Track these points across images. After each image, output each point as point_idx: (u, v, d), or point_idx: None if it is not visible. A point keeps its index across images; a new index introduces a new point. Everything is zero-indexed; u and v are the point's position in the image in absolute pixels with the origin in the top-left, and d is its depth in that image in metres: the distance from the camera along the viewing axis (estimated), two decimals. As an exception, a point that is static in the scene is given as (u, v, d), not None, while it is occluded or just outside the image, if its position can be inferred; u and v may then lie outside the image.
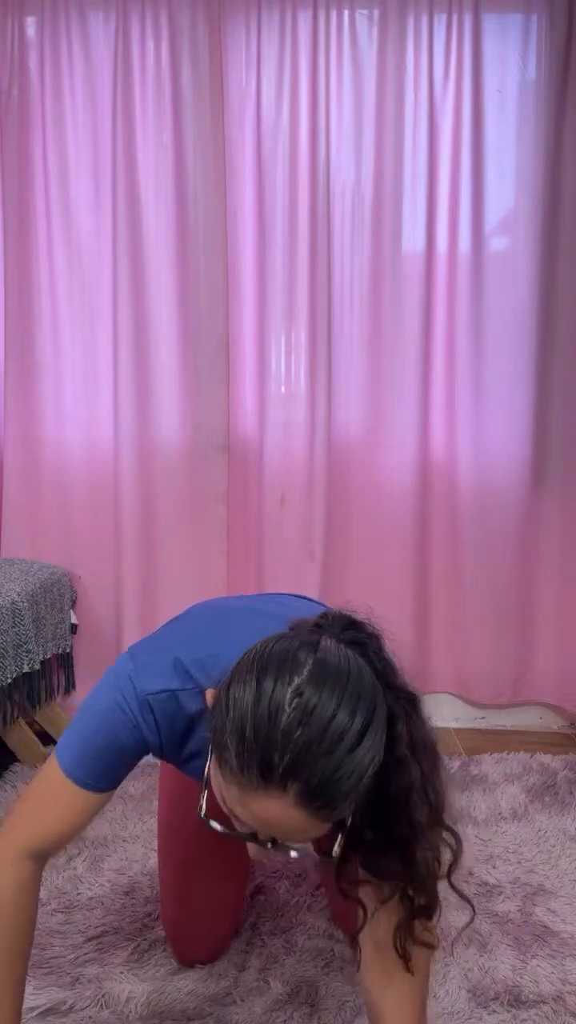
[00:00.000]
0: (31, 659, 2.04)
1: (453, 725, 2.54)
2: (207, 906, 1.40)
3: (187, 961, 1.43)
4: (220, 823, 0.90)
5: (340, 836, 0.88)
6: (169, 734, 1.04)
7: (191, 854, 1.37)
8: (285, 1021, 1.31)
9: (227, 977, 1.40)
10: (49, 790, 1.04)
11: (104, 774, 1.03)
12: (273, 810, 0.78)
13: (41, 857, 1.05)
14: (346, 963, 1.45)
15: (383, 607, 2.59)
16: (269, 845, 0.84)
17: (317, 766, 0.77)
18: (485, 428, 2.39)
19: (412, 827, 0.92)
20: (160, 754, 1.07)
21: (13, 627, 1.99)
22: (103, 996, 1.35)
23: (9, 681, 1.98)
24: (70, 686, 2.38)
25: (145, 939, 1.49)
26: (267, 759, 0.76)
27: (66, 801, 1.03)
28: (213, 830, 0.91)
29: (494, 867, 1.74)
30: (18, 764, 2.14)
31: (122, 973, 1.40)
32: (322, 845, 0.89)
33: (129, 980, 1.38)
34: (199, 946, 1.43)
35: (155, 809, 1.91)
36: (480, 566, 2.43)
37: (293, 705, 0.77)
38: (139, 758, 1.05)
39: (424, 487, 2.41)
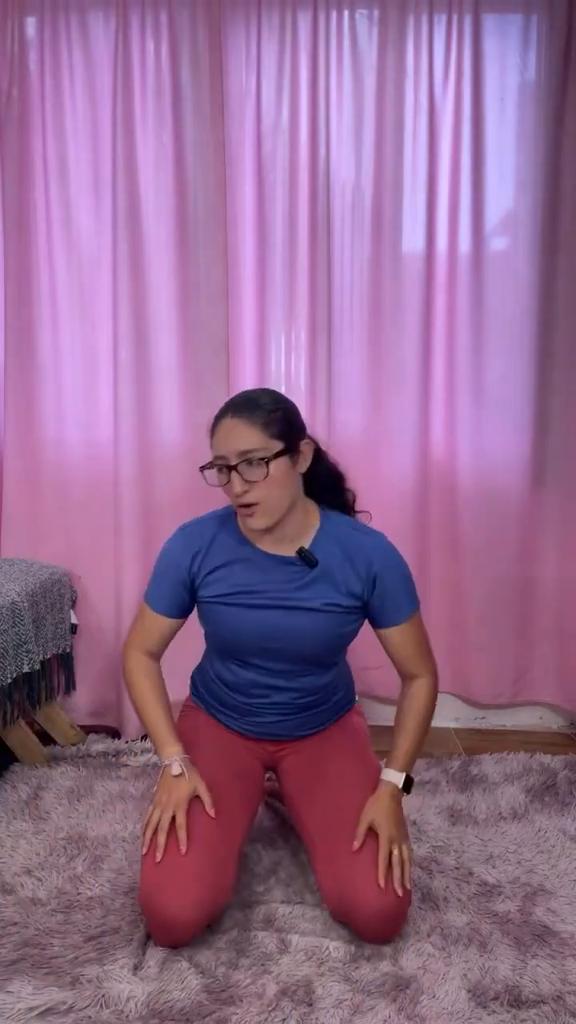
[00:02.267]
0: (31, 659, 2.04)
1: (453, 725, 2.54)
2: (192, 858, 1.42)
3: (164, 935, 1.43)
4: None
5: (290, 457, 1.48)
6: (200, 534, 1.61)
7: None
8: (284, 1020, 1.31)
9: (225, 977, 1.40)
10: (141, 614, 1.65)
11: (166, 597, 1.60)
12: (224, 425, 1.47)
13: (152, 655, 1.65)
14: (341, 962, 1.45)
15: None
16: (240, 468, 1.44)
17: (239, 397, 1.53)
18: (485, 428, 2.39)
19: (335, 479, 1.65)
20: (202, 557, 1.58)
21: (13, 627, 1.99)
22: (103, 996, 1.35)
23: (9, 681, 1.98)
24: (70, 686, 2.38)
25: (146, 941, 1.49)
26: (222, 408, 1.51)
27: (148, 622, 1.63)
28: None
29: (494, 867, 1.74)
30: (18, 764, 2.14)
31: (122, 973, 1.40)
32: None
33: (129, 980, 1.38)
34: (180, 910, 1.39)
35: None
36: (480, 566, 2.43)
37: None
38: (188, 574, 1.58)
39: (424, 487, 2.41)
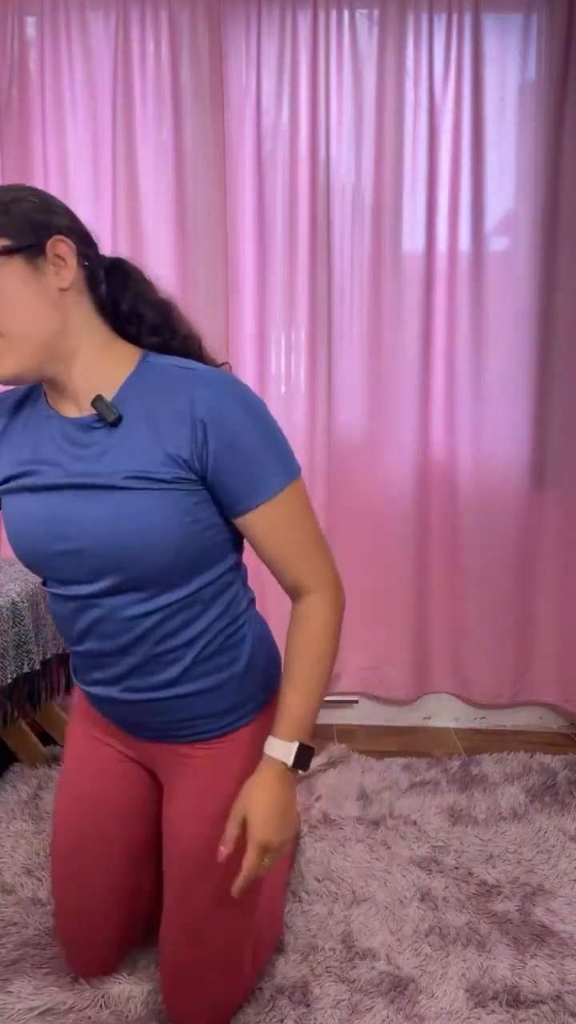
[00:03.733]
0: (31, 659, 2.04)
1: (453, 725, 2.54)
2: (98, 894, 1.30)
3: (82, 968, 1.36)
4: None
5: (14, 257, 0.99)
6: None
7: (87, 824, 1.29)
8: (281, 1020, 1.31)
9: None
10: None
11: None
12: None
13: None
14: (338, 962, 1.45)
15: (383, 607, 2.61)
16: None
17: None
18: (485, 428, 2.39)
19: (157, 310, 1.16)
20: None
21: (13, 627, 1.99)
22: (103, 996, 1.35)
23: (9, 681, 1.98)
24: (70, 686, 2.38)
25: (144, 939, 1.50)
26: None
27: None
28: None
29: (494, 867, 1.74)
30: (18, 764, 2.14)
31: (121, 973, 1.40)
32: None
33: (128, 980, 1.38)
34: (90, 950, 1.34)
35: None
36: (480, 566, 2.43)
37: None
38: None
39: (424, 487, 2.41)
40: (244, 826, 1.08)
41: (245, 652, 1.20)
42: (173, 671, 1.15)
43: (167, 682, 1.16)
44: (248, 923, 1.26)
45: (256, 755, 1.14)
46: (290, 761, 1.09)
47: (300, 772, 1.11)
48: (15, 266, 0.99)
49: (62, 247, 1.02)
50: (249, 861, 1.06)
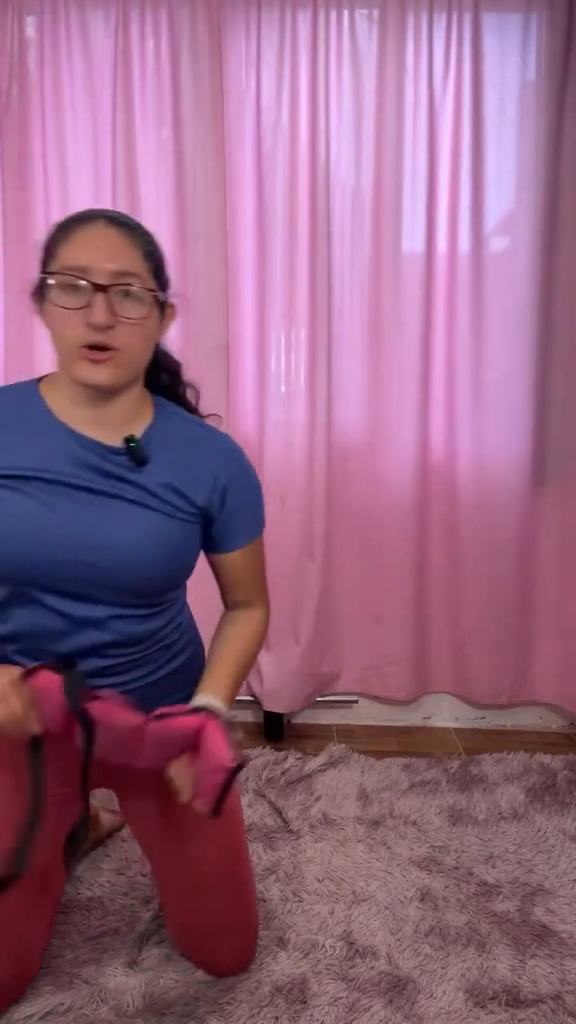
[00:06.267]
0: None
1: (453, 725, 2.54)
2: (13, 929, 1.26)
3: None
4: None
5: (160, 312, 1.16)
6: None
7: None
8: (277, 1018, 1.31)
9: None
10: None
11: None
12: (95, 231, 1.10)
13: None
14: (337, 960, 1.45)
15: (383, 607, 2.61)
16: (112, 293, 1.06)
17: (104, 210, 1.15)
18: (485, 428, 2.39)
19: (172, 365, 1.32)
20: None
21: None
22: (100, 992, 1.35)
23: None
24: None
25: (143, 939, 1.50)
26: (82, 213, 1.15)
27: None
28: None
29: (494, 867, 1.74)
30: (18, 764, 2.14)
31: (120, 973, 1.40)
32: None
33: (128, 980, 1.38)
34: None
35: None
36: (480, 566, 2.43)
37: None
38: None
39: (424, 487, 2.41)
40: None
41: (193, 638, 1.36)
42: (147, 669, 1.25)
43: (139, 676, 1.25)
44: (241, 854, 1.39)
45: None
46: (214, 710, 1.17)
47: None
48: (156, 309, 1.14)
49: (172, 310, 1.22)
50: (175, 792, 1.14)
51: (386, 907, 1.60)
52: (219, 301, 2.32)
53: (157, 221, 2.30)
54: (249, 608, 1.34)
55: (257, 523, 1.30)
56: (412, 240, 2.32)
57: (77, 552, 1.11)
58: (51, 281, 1.09)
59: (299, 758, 2.20)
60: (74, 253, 1.08)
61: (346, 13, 2.26)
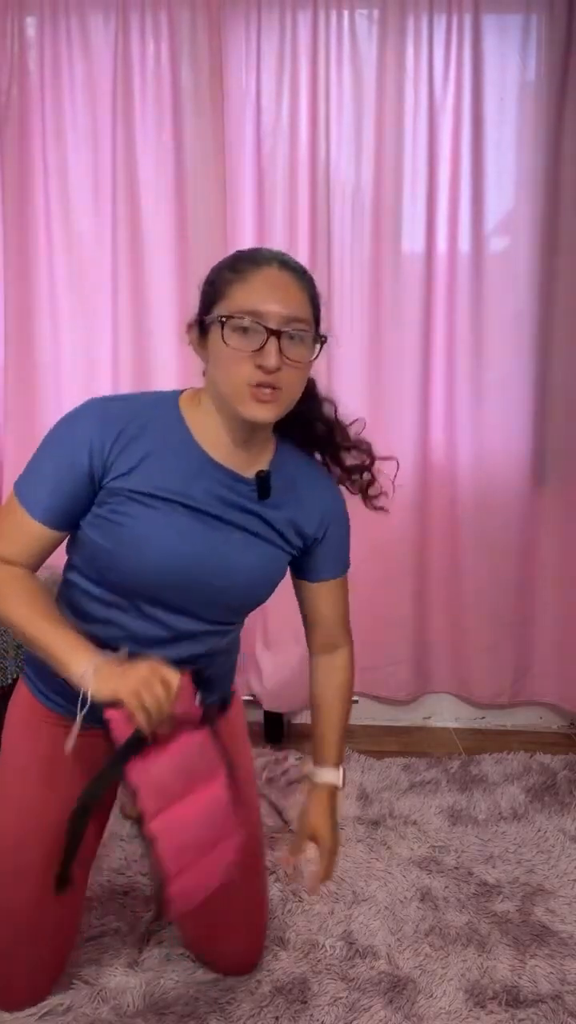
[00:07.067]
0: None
1: (453, 725, 2.54)
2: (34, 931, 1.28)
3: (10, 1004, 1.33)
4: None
5: (319, 345, 1.16)
6: (123, 431, 1.16)
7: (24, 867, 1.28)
8: (277, 1018, 1.31)
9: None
10: (9, 512, 1.18)
11: (52, 499, 1.15)
12: (271, 275, 1.11)
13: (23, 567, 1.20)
14: (337, 960, 1.45)
15: (383, 607, 2.60)
16: (283, 338, 1.08)
17: (274, 251, 1.16)
18: (485, 428, 2.39)
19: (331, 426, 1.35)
20: (125, 441, 1.16)
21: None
22: (99, 992, 1.35)
23: (9, 682, 1.98)
24: (70, 686, 2.37)
25: (143, 939, 1.50)
26: (252, 254, 1.15)
27: (18, 527, 1.17)
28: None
29: (494, 867, 1.74)
30: None
31: (120, 973, 1.40)
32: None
33: (127, 980, 1.38)
34: (19, 983, 1.32)
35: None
36: (480, 566, 2.43)
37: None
38: (95, 464, 1.14)
39: (424, 487, 2.41)
40: (310, 839, 1.30)
41: (235, 655, 1.43)
42: (215, 672, 1.34)
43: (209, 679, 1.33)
44: (260, 869, 1.46)
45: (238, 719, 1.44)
46: (341, 783, 1.35)
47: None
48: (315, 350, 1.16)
49: (324, 345, 1.19)
50: (325, 869, 1.30)
51: (386, 907, 1.60)
52: (219, 301, 2.31)
53: (157, 221, 2.31)
54: (335, 653, 1.39)
55: (344, 562, 1.36)
56: (412, 240, 2.32)
57: (199, 576, 1.19)
58: (223, 321, 1.11)
59: (299, 758, 2.20)
60: (249, 297, 1.10)
61: (346, 13, 2.26)
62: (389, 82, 2.26)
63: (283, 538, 1.26)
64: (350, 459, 1.34)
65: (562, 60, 2.24)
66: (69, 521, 1.18)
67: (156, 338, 2.34)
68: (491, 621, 2.46)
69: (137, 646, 1.19)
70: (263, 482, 1.21)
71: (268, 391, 1.10)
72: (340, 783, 1.35)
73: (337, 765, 1.36)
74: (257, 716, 2.44)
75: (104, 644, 1.17)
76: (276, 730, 2.39)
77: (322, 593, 1.35)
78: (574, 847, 1.82)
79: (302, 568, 1.34)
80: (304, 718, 2.50)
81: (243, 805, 1.23)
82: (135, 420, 1.17)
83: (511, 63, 2.29)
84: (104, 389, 2.38)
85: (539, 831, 1.88)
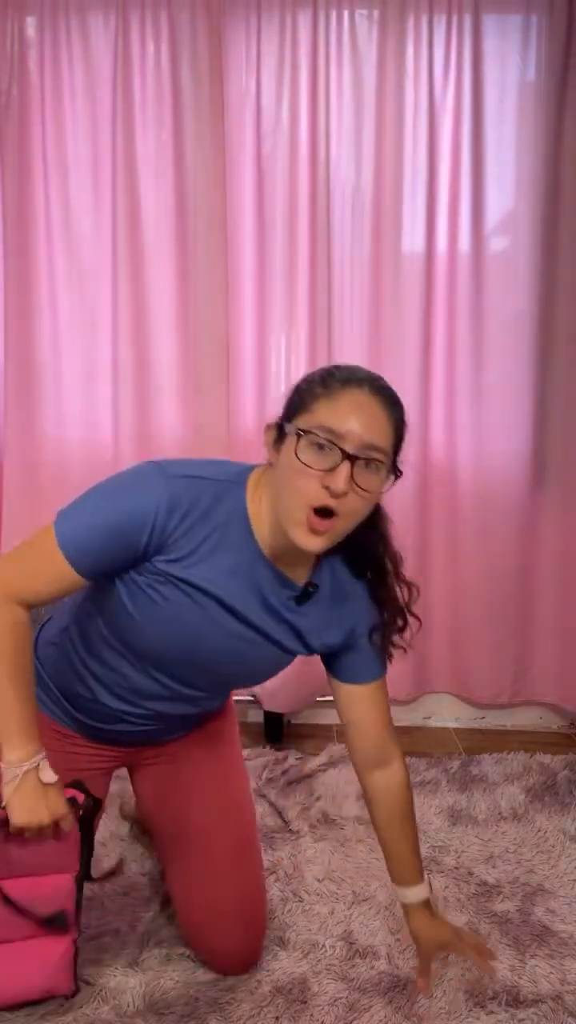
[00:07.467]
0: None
1: (453, 725, 2.54)
2: None
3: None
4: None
5: (392, 477, 1.14)
6: (186, 515, 1.11)
7: None
8: (277, 1018, 1.31)
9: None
10: (38, 545, 1.16)
11: (96, 549, 1.13)
12: (361, 399, 1.07)
13: (27, 605, 1.17)
14: (337, 960, 1.45)
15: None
16: (357, 463, 1.05)
17: (372, 374, 1.13)
18: (485, 428, 2.39)
19: (385, 567, 1.28)
20: (163, 540, 1.12)
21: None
22: (99, 991, 1.35)
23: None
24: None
25: (143, 939, 1.50)
26: (347, 373, 1.11)
27: (48, 564, 1.14)
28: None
29: (494, 867, 1.74)
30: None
31: (120, 973, 1.40)
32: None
33: (127, 980, 1.38)
34: None
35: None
36: (480, 566, 2.43)
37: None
38: (150, 538, 1.11)
39: (424, 487, 2.40)
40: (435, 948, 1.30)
41: None
42: (200, 717, 1.45)
43: (190, 722, 1.45)
44: (255, 863, 1.49)
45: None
46: (429, 894, 1.33)
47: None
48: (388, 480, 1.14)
49: (390, 482, 1.15)
50: (485, 966, 1.30)
51: (386, 907, 1.60)
52: (219, 302, 2.31)
53: (157, 222, 2.31)
54: (390, 768, 1.33)
55: (383, 662, 1.34)
56: (412, 240, 2.32)
57: (216, 665, 1.24)
58: (300, 434, 1.06)
59: (299, 758, 2.20)
60: (334, 416, 1.06)
61: (346, 14, 2.26)
62: (389, 82, 2.26)
63: (303, 643, 1.26)
64: (391, 597, 1.28)
65: (562, 60, 2.24)
66: (102, 575, 1.17)
67: (156, 337, 2.34)
68: (491, 621, 2.46)
69: (134, 695, 1.27)
70: (308, 594, 1.21)
71: (325, 521, 1.07)
72: (429, 894, 1.33)
73: (422, 877, 1.32)
74: (257, 716, 2.44)
75: (112, 690, 1.27)
76: (276, 730, 2.39)
77: (368, 695, 1.32)
78: (574, 847, 1.82)
79: (337, 670, 1.32)
80: (304, 718, 2.50)
81: (232, 798, 1.43)
82: (199, 504, 1.13)
83: (511, 63, 2.29)
84: (104, 389, 2.37)
85: (539, 831, 1.88)
